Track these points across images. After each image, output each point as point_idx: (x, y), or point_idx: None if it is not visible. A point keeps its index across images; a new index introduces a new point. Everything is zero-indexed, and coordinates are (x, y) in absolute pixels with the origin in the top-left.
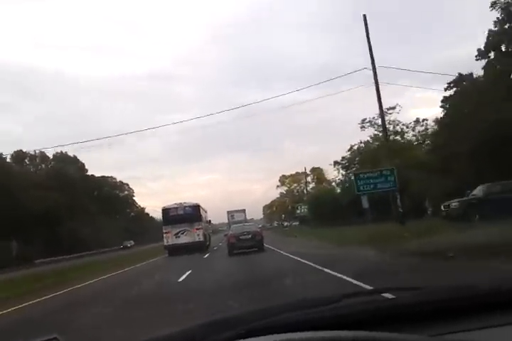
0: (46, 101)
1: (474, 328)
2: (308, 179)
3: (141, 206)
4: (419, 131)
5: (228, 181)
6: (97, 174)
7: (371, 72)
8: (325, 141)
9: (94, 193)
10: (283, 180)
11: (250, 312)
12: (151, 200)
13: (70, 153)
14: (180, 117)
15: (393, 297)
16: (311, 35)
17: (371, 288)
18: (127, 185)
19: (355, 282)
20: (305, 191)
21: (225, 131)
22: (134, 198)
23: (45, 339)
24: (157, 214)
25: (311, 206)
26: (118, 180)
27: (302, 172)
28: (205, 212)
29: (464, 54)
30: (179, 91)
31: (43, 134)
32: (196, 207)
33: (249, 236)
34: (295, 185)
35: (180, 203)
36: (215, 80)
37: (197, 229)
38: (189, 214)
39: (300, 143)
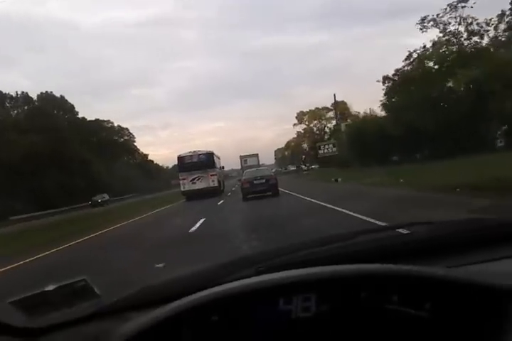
0: (48, 52)
1: (487, 260)
2: (330, 114)
3: (144, 152)
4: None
5: (238, 128)
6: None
7: None
8: (340, 84)
9: (87, 139)
10: (301, 116)
11: (267, 251)
12: (162, 149)
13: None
14: (188, 64)
15: (407, 232)
16: None
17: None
18: (127, 129)
19: None
20: (326, 128)
21: (234, 77)
22: (135, 144)
23: (74, 281)
24: (167, 162)
25: (351, 139)
26: (116, 124)
27: (323, 108)
28: (218, 158)
29: None
30: (185, 36)
31: (48, 86)
32: (210, 155)
33: (263, 180)
34: (315, 122)
35: (195, 151)
36: (220, 24)
37: (211, 175)
38: (203, 161)
39: (313, 87)
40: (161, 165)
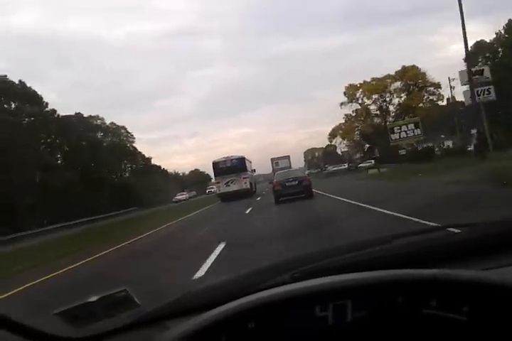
0: (73, 65)
1: None
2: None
3: (147, 156)
4: None
5: (263, 133)
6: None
7: None
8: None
9: (58, 138)
10: (352, 91)
11: (302, 256)
12: (190, 157)
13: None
14: (210, 72)
15: (443, 235)
16: None
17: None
18: (124, 128)
19: None
20: (391, 107)
21: (257, 83)
22: (134, 145)
23: (115, 292)
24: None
25: None
26: (109, 122)
27: (385, 76)
28: (250, 162)
29: None
30: (207, 45)
31: (74, 99)
32: (242, 159)
33: (296, 182)
34: (374, 97)
35: (228, 156)
36: (242, 32)
37: (244, 178)
38: (236, 166)
39: (336, 90)
40: (172, 171)
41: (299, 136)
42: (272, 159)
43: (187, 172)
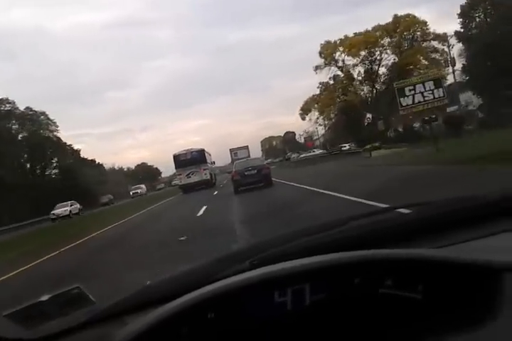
0: (18, 59)
1: (481, 236)
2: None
3: (76, 148)
4: None
5: (219, 125)
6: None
7: None
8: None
9: None
10: (327, 51)
11: (259, 243)
12: (144, 151)
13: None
14: (162, 63)
15: (398, 215)
16: None
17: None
18: (44, 114)
19: None
20: (382, 68)
21: (211, 73)
22: (58, 136)
23: (67, 290)
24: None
25: None
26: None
27: (373, 29)
28: (209, 155)
29: None
30: (156, 36)
31: (15, 91)
32: (201, 152)
33: (255, 171)
34: (362, 54)
35: (188, 149)
36: (193, 21)
37: (204, 169)
38: (196, 158)
39: (291, 79)
40: (111, 167)
41: (255, 126)
42: (230, 150)
43: (133, 167)
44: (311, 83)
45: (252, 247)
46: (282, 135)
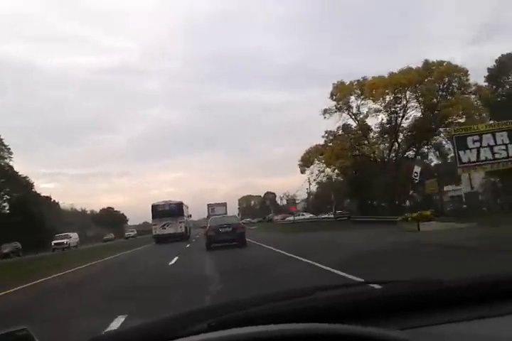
0: (3, 94)
1: (443, 322)
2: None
3: (30, 180)
4: None
5: (196, 179)
6: None
7: None
8: (297, 143)
9: None
10: (341, 93)
11: (221, 304)
12: (118, 197)
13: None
14: (148, 113)
15: (362, 291)
16: (281, 34)
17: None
18: None
19: None
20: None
21: (194, 128)
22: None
23: (13, 331)
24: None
25: None
26: None
27: (401, 71)
28: (187, 207)
29: None
30: (147, 86)
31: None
32: (179, 204)
33: (230, 228)
34: (387, 98)
35: (166, 201)
36: (183, 76)
37: (180, 222)
38: (173, 210)
39: (271, 144)
40: (72, 207)
41: (232, 184)
42: (208, 205)
43: (97, 211)
44: (289, 150)
45: (211, 308)
46: (262, 195)
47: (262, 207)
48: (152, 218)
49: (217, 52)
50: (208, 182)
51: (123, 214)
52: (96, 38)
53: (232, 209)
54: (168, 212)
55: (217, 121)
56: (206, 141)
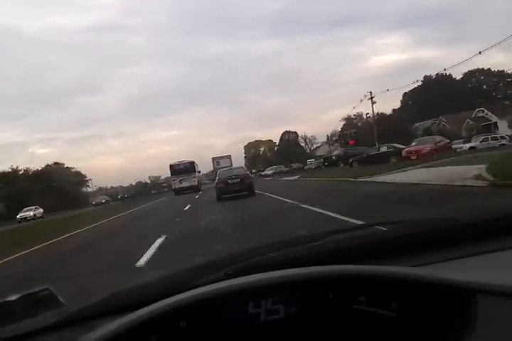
0: None
1: (457, 257)
2: None
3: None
4: None
5: (192, 136)
6: None
7: None
8: (293, 93)
9: None
10: None
11: (236, 253)
12: (113, 159)
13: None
14: (136, 70)
15: (377, 231)
16: None
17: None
18: None
19: None
20: None
21: (186, 84)
22: None
23: (37, 291)
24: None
25: None
26: None
27: None
28: (197, 165)
29: None
30: (132, 42)
31: None
32: (192, 163)
33: (238, 179)
34: None
35: (181, 160)
36: (170, 30)
37: (193, 177)
38: (187, 168)
39: (265, 95)
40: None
41: (229, 139)
42: (213, 158)
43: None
44: (284, 100)
45: (227, 257)
46: (273, 140)
47: (277, 153)
48: (171, 175)
49: (201, 2)
50: (204, 138)
51: (79, 172)
52: None
53: (237, 161)
54: (183, 169)
55: (208, 75)
56: (198, 96)
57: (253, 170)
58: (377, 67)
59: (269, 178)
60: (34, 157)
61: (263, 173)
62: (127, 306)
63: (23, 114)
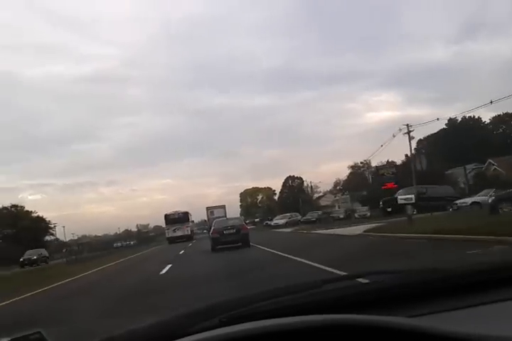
0: None
1: (450, 309)
2: None
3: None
4: None
5: (185, 185)
6: None
7: None
8: (288, 145)
9: None
10: None
11: (231, 300)
12: (105, 207)
13: None
14: (132, 120)
15: (371, 281)
16: (265, 38)
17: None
18: None
19: None
20: None
21: (181, 134)
22: None
23: (28, 334)
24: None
25: None
26: None
27: None
28: (191, 215)
29: None
30: (129, 93)
31: None
32: (186, 213)
33: (234, 230)
34: None
35: (176, 211)
36: (168, 83)
37: (186, 226)
38: (181, 218)
39: (259, 147)
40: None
41: (222, 189)
42: (207, 208)
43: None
44: (278, 153)
45: (222, 303)
46: (271, 187)
47: (281, 200)
48: (166, 224)
49: (200, 58)
50: (197, 187)
51: (44, 218)
52: (74, 46)
53: (231, 211)
54: (177, 219)
55: (204, 126)
56: (193, 146)
57: (256, 220)
58: (371, 122)
59: (286, 231)
60: (24, 203)
61: (272, 223)
62: None
63: (14, 159)
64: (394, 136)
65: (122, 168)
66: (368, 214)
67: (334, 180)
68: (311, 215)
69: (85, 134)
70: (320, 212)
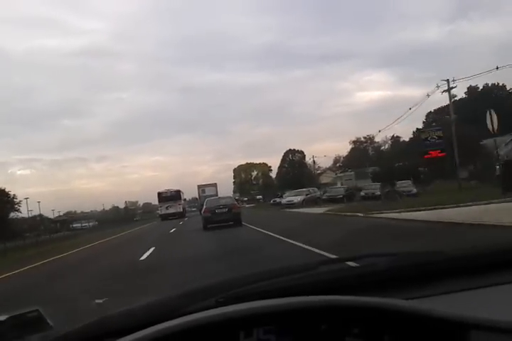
0: None
1: (447, 292)
2: None
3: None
4: None
5: (177, 163)
6: None
7: None
8: (276, 124)
9: None
10: None
11: (228, 280)
12: (95, 182)
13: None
14: (123, 96)
15: (371, 263)
16: (258, 14)
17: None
18: None
19: None
20: None
21: (172, 111)
22: None
23: (26, 312)
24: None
25: None
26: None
27: None
28: (183, 193)
29: None
30: (120, 68)
31: None
32: (178, 191)
33: (226, 209)
34: None
35: (168, 189)
36: (159, 58)
37: (179, 204)
38: (174, 195)
39: (251, 125)
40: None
41: (214, 167)
42: (198, 186)
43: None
44: (269, 131)
45: (219, 284)
46: (267, 163)
47: (281, 176)
48: (158, 202)
49: (192, 33)
50: (189, 165)
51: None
52: (64, 19)
53: (223, 189)
54: (169, 197)
55: (196, 103)
56: (185, 123)
57: (257, 197)
58: (363, 102)
59: (312, 212)
60: (13, 178)
61: (284, 200)
62: (115, 332)
63: (3, 134)
64: (428, 96)
65: (113, 144)
66: (414, 190)
67: (333, 157)
68: (335, 191)
69: (76, 109)
70: (345, 187)
